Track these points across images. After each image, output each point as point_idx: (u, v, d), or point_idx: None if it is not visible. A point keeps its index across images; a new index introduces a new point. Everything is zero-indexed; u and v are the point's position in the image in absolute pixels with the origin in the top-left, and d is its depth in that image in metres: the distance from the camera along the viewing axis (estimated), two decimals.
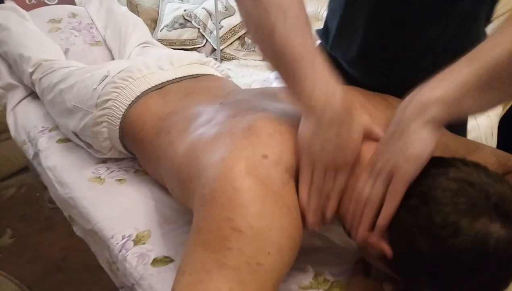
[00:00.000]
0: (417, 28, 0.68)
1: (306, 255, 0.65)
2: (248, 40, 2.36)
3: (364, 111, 0.58)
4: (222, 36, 2.36)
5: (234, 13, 2.41)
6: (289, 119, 0.57)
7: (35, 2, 2.33)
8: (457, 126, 0.77)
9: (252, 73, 2.11)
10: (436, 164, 0.48)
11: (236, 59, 2.33)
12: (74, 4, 2.18)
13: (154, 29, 2.57)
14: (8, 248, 1.63)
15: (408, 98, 0.50)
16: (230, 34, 2.38)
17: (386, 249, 0.48)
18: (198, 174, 0.55)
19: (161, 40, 2.44)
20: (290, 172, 0.54)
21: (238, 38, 2.39)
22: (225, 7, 2.43)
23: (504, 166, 0.67)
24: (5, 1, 1.49)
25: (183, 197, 0.64)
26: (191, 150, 0.60)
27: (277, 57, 0.54)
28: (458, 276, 0.45)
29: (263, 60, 0.59)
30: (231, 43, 2.38)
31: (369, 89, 0.71)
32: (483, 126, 1.29)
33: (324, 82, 0.52)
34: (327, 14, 0.82)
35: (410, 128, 0.47)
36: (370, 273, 0.59)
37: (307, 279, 0.61)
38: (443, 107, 0.46)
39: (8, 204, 1.87)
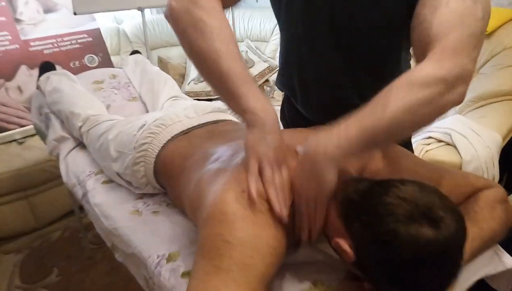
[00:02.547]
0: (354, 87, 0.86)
1: (308, 266, 0.78)
2: (267, 88, 2.56)
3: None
4: None
5: (253, 65, 2.64)
6: None
7: (78, 66, 2.66)
8: None
9: None
10: (381, 185, 0.62)
11: None
12: (113, 66, 2.47)
13: (182, 83, 2.83)
14: (55, 285, 1.78)
15: (315, 145, 0.65)
16: None
17: (350, 254, 0.61)
18: (203, 202, 0.71)
19: (188, 92, 2.68)
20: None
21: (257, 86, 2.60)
22: (245, 60, 2.67)
23: (473, 186, 0.78)
24: (56, 68, 1.75)
25: (195, 221, 0.79)
26: (200, 183, 0.77)
27: (223, 79, 0.70)
28: (404, 273, 0.56)
29: (205, 81, 0.76)
30: None
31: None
32: (483, 157, 1.38)
33: (262, 102, 0.70)
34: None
35: (320, 169, 0.64)
36: (359, 279, 0.70)
37: (306, 284, 0.73)
38: (338, 157, 0.63)
39: (55, 245, 2.04)
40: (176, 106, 1.38)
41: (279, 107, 1.14)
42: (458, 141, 1.41)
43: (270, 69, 2.73)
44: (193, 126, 1.04)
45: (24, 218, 2.11)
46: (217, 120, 1.09)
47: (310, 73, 0.91)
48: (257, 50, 2.82)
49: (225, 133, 1.00)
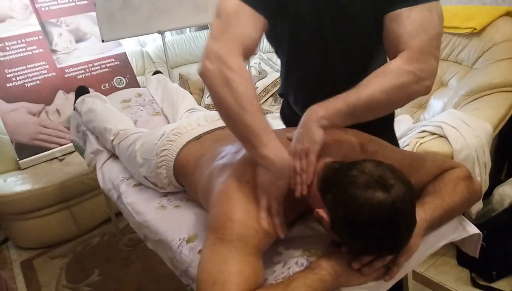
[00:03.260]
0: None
1: (300, 240, 0.94)
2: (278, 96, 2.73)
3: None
4: (258, 95, 2.76)
5: (266, 76, 2.82)
6: None
7: (108, 87, 2.92)
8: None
9: None
10: (348, 165, 0.77)
11: (270, 112, 2.71)
12: (139, 86, 2.70)
13: (201, 97, 3.03)
14: (96, 283, 2.00)
15: (309, 112, 0.84)
16: (264, 92, 2.78)
17: (326, 219, 0.76)
18: (212, 191, 0.88)
19: (208, 105, 2.88)
20: None
21: (271, 95, 2.78)
22: (259, 71, 2.86)
23: (440, 167, 0.92)
24: (89, 91, 1.99)
25: (206, 207, 0.96)
26: (210, 176, 0.94)
27: (246, 131, 0.81)
28: (362, 229, 0.71)
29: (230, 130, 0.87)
30: (265, 100, 2.78)
31: None
32: (472, 146, 1.48)
33: (277, 150, 0.81)
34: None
35: (311, 128, 0.82)
36: (339, 245, 0.85)
37: (298, 252, 0.89)
38: (326, 121, 0.81)
39: (95, 249, 2.27)
40: (191, 117, 1.57)
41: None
42: (449, 132, 1.53)
43: None
44: (204, 132, 1.22)
45: (67, 226, 2.36)
46: (224, 126, 1.26)
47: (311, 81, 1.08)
48: (270, 61, 3.01)
49: (231, 136, 1.16)
